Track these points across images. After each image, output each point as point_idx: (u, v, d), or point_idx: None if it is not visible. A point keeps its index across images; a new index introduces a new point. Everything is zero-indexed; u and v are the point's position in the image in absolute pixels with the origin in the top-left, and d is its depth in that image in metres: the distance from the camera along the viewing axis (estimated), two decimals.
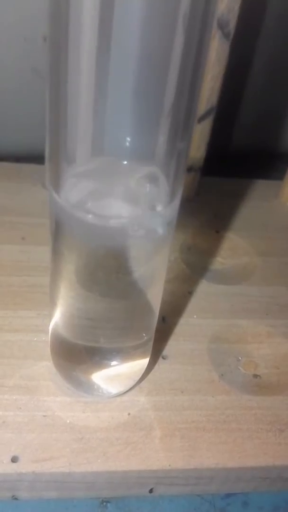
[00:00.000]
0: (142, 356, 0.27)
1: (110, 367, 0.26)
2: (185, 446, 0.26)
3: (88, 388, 0.27)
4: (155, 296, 0.25)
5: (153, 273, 0.24)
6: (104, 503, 0.27)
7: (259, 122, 0.52)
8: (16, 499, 0.26)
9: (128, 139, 0.20)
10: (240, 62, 0.46)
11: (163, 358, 0.30)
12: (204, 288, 0.35)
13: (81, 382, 0.27)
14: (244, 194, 0.46)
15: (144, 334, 0.26)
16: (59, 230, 0.22)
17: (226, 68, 0.36)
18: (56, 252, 0.23)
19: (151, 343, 0.27)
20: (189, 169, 0.41)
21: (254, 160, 0.50)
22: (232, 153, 0.52)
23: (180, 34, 0.17)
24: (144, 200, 0.21)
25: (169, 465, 0.25)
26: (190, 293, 0.35)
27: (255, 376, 0.30)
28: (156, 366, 0.30)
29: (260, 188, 0.47)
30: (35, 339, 0.30)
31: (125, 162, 0.21)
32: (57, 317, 0.25)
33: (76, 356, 0.26)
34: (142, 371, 0.28)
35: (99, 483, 0.25)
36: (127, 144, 0.20)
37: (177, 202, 0.22)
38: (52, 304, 0.25)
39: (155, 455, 0.26)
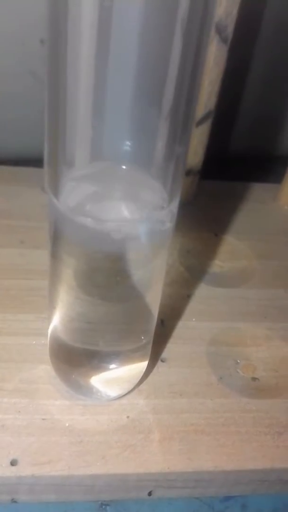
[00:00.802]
0: (141, 359, 0.27)
1: (109, 370, 0.26)
2: (184, 449, 0.26)
3: (87, 391, 0.27)
4: (154, 299, 0.25)
5: (151, 277, 0.24)
6: (103, 506, 0.27)
7: (257, 125, 0.52)
8: (15, 502, 0.26)
9: (127, 143, 0.20)
10: (238, 66, 0.46)
11: (162, 361, 0.30)
12: (203, 291, 0.35)
13: (80, 385, 0.27)
14: (243, 197, 0.46)
15: (143, 337, 0.26)
16: (57, 233, 0.22)
17: (224, 72, 0.36)
18: (54, 256, 0.23)
19: (150, 346, 0.27)
20: (188, 173, 0.41)
21: (252, 163, 0.50)
22: (230, 156, 0.52)
23: (178, 38, 0.17)
24: (143, 204, 0.21)
25: (168, 468, 0.25)
26: (188, 296, 0.35)
27: (254, 379, 0.30)
28: (155, 369, 0.30)
29: (259, 191, 0.47)
30: (34, 342, 0.30)
31: (124, 166, 0.21)
32: (56, 321, 0.25)
33: (75, 359, 0.26)
34: (141, 374, 0.28)
35: (98, 486, 0.26)
36: (126, 148, 0.20)
37: (175, 205, 0.22)
38: (51, 307, 0.25)
39: (154, 458, 0.26)
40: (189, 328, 0.33)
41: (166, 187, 0.21)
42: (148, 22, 0.17)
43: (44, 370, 0.28)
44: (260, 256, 0.39)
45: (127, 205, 0.21)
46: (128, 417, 0.27)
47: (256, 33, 0.46)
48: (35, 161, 0.41)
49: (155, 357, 0.30)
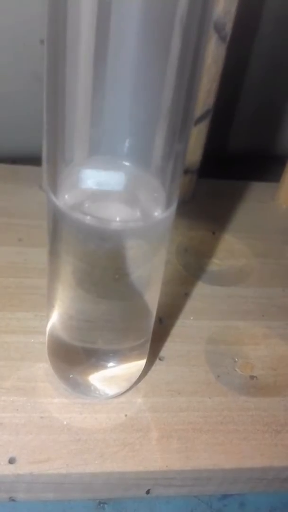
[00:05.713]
0: (139, 357, 0.27)
1: (107, 368, 0.26)
2: (182, 447, 0.26)
3: (85, 389, 0.27)
4: (152, 297, 0.25)
5: (150, 275, 0.24)
6: (101, 505, 0.27)
7: (256, 124, 0.52)
8: (13, 500, 0.26)
9: (126, 141, 0.20)
10: (236, 64, 0.46)
11: (160, 359, 0.30)
12: (201, 290, 0.35)
13: (78, 384, 0.27)
14: (241, 196, 0.46)
15: (141, 336, 0.26)
16: (56, 231, 0.22)
17: (222, 70, 0.36)
18: (53, 254, 0.23)
19: (148, 345, 0.27)
20: (186, 171, 0.41)
21: (250, 162, 0.50)
22: (228, 155, 0.52)
23: (177, 36, 0.17)
24: (141, 202, 0.21)
25: (166, 466, 0.25)
26: (186, 294, 0.35)
27: (252, 377, 0.30)
28: (153, 368, 0.30)
29: (256, 190, 0.47)
30: (32, 340, 0.30)
31: (123, 164, 0.21)
32: (55, 319, 0.25)
33: (73, 357, 0.26)
34: (139, 373, 0.28)
35: (96, 484, 0.25)
36: (125, 146, 0.20)
37: (174, 203, 0.22)
38: (49, 305, 0.25)
39: (152, 457, 0.26)
40: (187, 326, 0.33)
41: (165, 185, 0.21)
42: (147, 20, 0.17)
43: (42, 368, 0.28)
44: (258, 255, 0.39)
45: (126, 203, 0.21)
46: (126, 415, 0.27)
47: (254, 31, 0.46)
48: (33, 159, 0.41)
49: (153, 355, 0.30)
